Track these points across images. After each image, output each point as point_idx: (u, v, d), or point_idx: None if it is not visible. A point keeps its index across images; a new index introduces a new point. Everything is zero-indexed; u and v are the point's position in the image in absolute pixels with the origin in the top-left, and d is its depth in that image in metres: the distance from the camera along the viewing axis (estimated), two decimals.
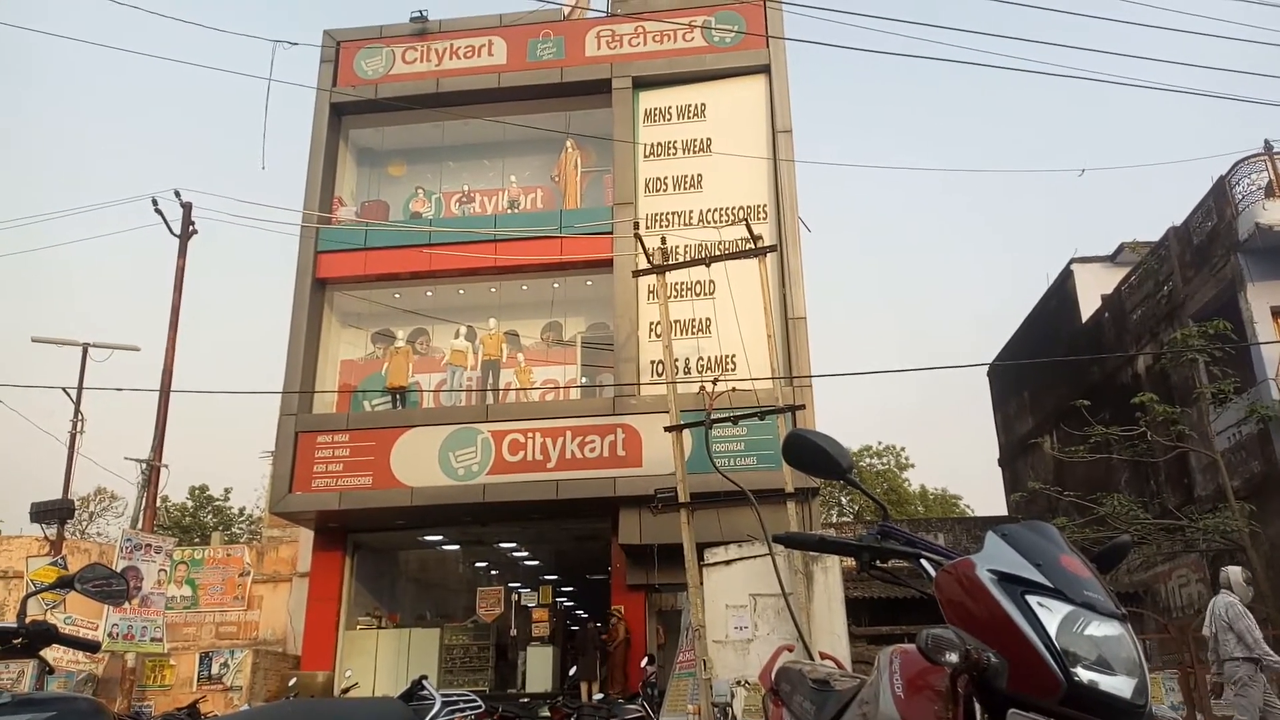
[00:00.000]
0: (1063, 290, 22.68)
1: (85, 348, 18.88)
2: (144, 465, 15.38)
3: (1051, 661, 1.55)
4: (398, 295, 17.53)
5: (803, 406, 13.80)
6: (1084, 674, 1.55)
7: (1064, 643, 1.58)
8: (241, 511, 35.87)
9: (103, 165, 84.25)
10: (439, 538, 18.06)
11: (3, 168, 79.20)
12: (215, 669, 16.61)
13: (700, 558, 13.14)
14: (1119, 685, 1.56)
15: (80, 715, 2.44)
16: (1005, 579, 1.69)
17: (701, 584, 12.94)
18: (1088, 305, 21.23)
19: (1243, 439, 14.91)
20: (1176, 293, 17.03)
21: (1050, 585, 1.67)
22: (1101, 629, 1.62)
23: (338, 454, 15.50)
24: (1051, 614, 1.62)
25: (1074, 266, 22.23)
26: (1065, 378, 20.58)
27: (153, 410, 15.21)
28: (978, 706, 1.63)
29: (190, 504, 35.29)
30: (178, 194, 16.05)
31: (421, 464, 15.23)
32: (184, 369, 16.34)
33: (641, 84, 17.05)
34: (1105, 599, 1.67)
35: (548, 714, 11.99)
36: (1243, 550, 13.79)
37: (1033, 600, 1.64)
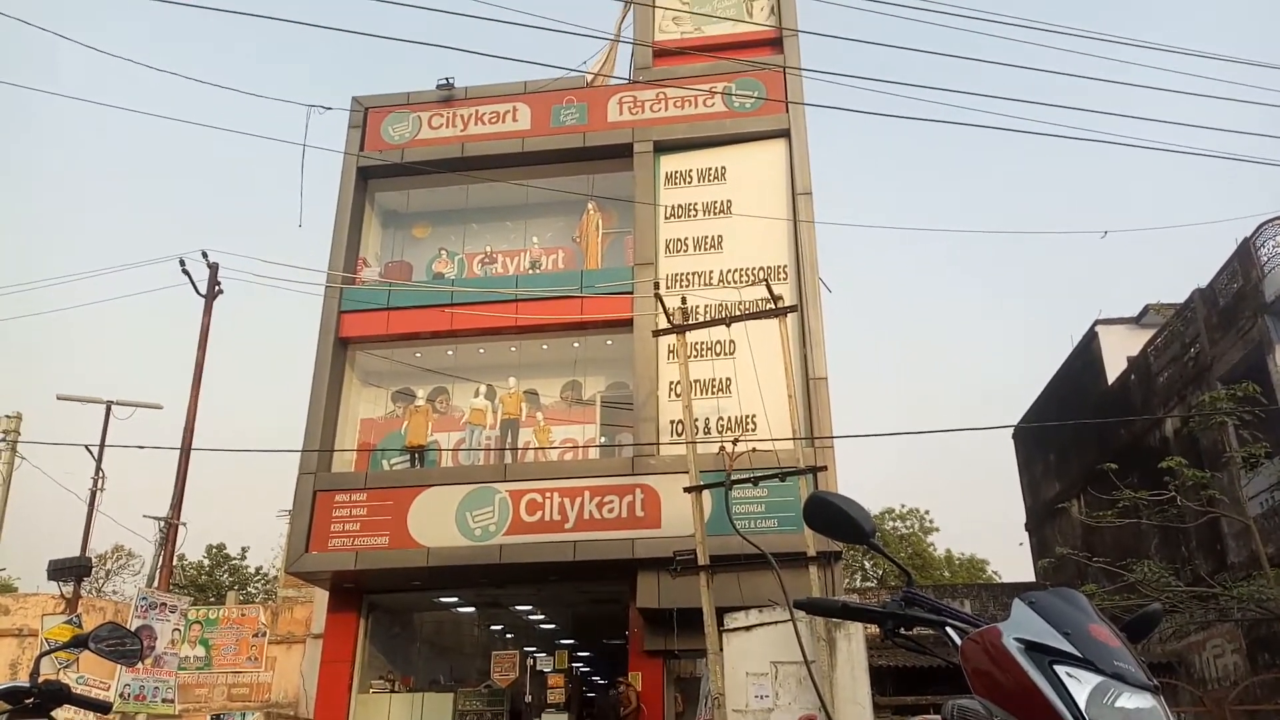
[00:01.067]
0: (1087, 352, 22.51)
1: (109, 406, 19.11)
2: (162, 523, 15.41)
3: None
4: (419, 354, 17.65)
5: (824, 468, 13.66)
6: None
7: (1094, 715, 1.52)
8: (258, 571, 35.80)
9: (129, 229, 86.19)
10: (454, 599, 17.88)
11: (27, 230, 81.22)
12: None
13: (720, 623, 12.89)
14: None
15: None
16: (1033, 648, 1.64)
17: (721, 650, 12.68)
18: (1113, 367, 21.04)
19: (1276, 504, 14.60)
20: (1203, 355, 16.85)
21: (1079, 655, 1.62)
22: (1133, 701, 1.56)
23: (355, 513, 15.45)
24: (1081, 685, 1.56)
25: (1098, 328, 22.09)
26: (1092, 441, 20.31)
27: (173, 468, 15.29)
28: None
29: (207, 562, 35.24)
30: (205, 255, 16.38)
31: (439, 524, 15.14)
32: (205, 427, 16.44)
33: (663, 148, 17.33)
34: (1136, 669, 1.62)
35: None
36: (1279, 620, 13.38)
37: (1061, 670, 1.59)
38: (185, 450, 15.26)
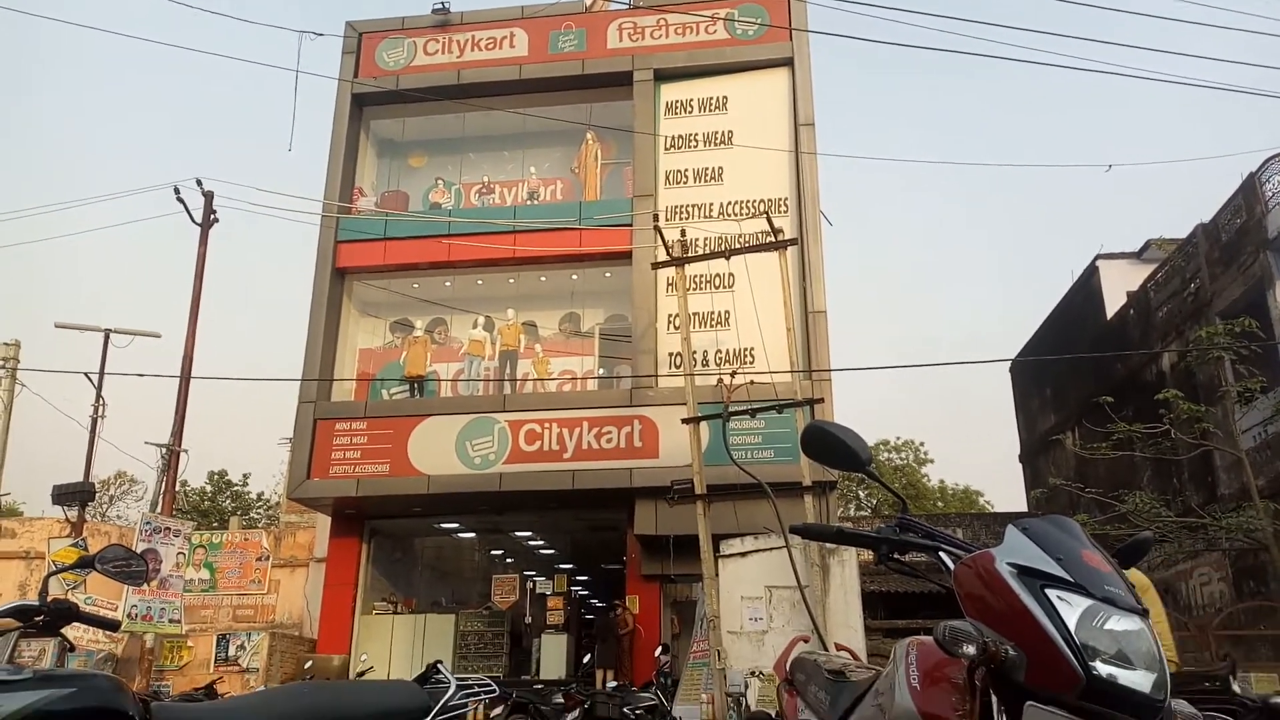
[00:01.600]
0: (1088, 286, 22.45)
1: (107, 334, 19.10)
2: (164, 450, 15.54)
3: (1070, 655, 1.53)
4: (416, 285, 17.59)
5: (821, 400, 13.73)
6: (1103, 668, 1.53)
7: (1083, 637, 1.55)
8: (259, 497, 36.22)
9: (122, 158, 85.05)
10: (455, 525, 18.15)
11: (20, 158, 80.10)
12: (232, 651, 16.79)
13: (716, 549, 13.13)
14: (1138, 680, 1.54)
15: (100, 692, 2.45)
16: (1025, 572, 1.67)
17: (717, 575, 12.94)
18: (1113, 302, 21.00)
19: (1269, 438, 14.72)
20: (1204, 290, 16.82)
21: (1071, 579, 1.64)
22: (1121, 624, 1.59)
23: (355, 441, 15.59)
24: (1071, 608, 1.59)
25: (1099, 263, 21.98)
26: (1089, 374, 20.39)
27: (173, 395, 15.37)
28: (994, 699, 1.61)
29: (209, 489, 35.64)
30: (199, 183, 16.20)
31: (438, 452, 15.29)
32: (204, 355, 16.48)
33: (663, 76, 16.99)
34: (1126, 594, 1.64)
35: (561, 700, 12.03)
36: (1265, 549, 13.61)
37: (1053, 594, 1.62)
38: (185, 378, 15.31)
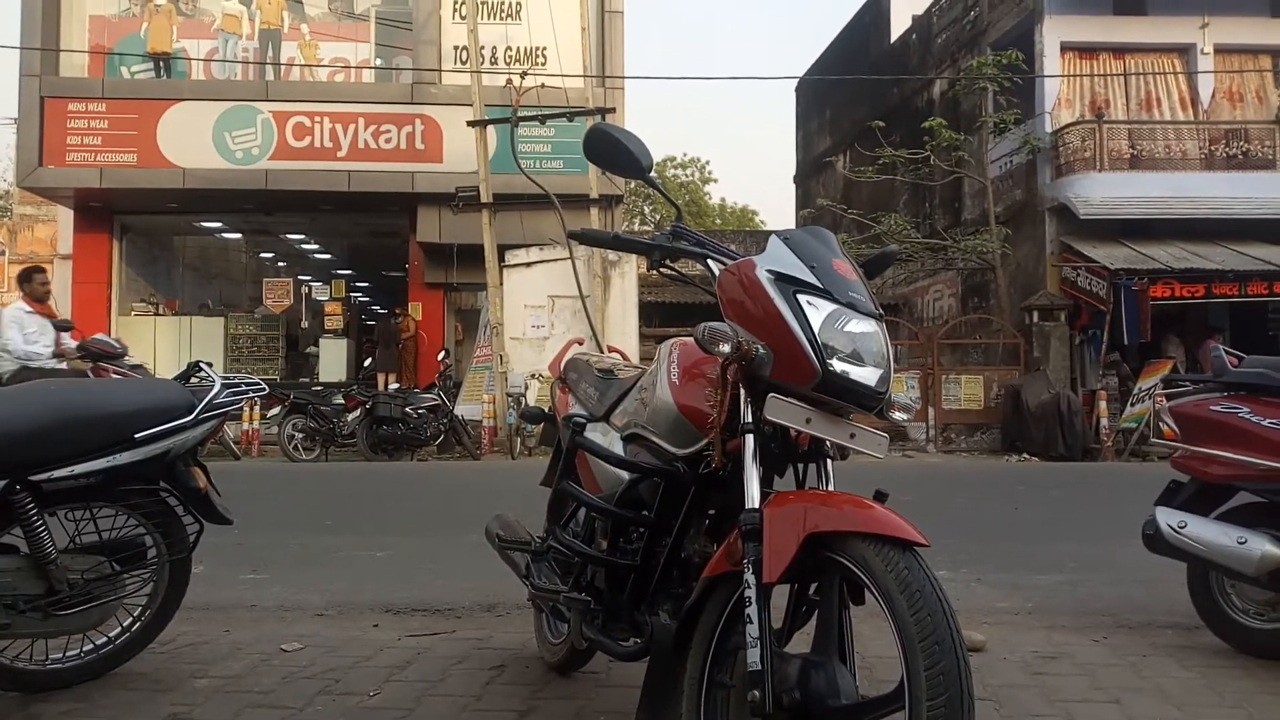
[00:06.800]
0: (877, 7, 22.62)
1: None
2: None
3: (811, 353, 1.65)
4: None
5: (613, 110, 13.51)
6: (838, 365, 1.67)
7: (825, 337, 1.68)
8: None
9: None
10: (218, 225, 17.10)
11: None
12: None
13: (501, 259, 13.22)
14: (866, 375, 1.70)
15: None
16: (781, 279, 1.75)
17: (501, 284, 13.12)
18: (900, 25, 21.34)
19: (1012, 168, 16.09)
20: (981, 18, 17.37)
21: (820, 286, 1.74)
22: (859, 326, 1.72)
23: (94, 125, 13.95)
24: (817, 311, 1.70)
25: None
26: (866, 98, 21.08)
27: None
28: (743, 392, 1.74)
29: None
30: None
31: (194, 143, 14.02)
32: None
33: None
34: (867, 300, 1.77)
35: (341, 402, 12.21)
36: (992, 270, 15.39)
37: (803, 299, 1.71)
38: None
